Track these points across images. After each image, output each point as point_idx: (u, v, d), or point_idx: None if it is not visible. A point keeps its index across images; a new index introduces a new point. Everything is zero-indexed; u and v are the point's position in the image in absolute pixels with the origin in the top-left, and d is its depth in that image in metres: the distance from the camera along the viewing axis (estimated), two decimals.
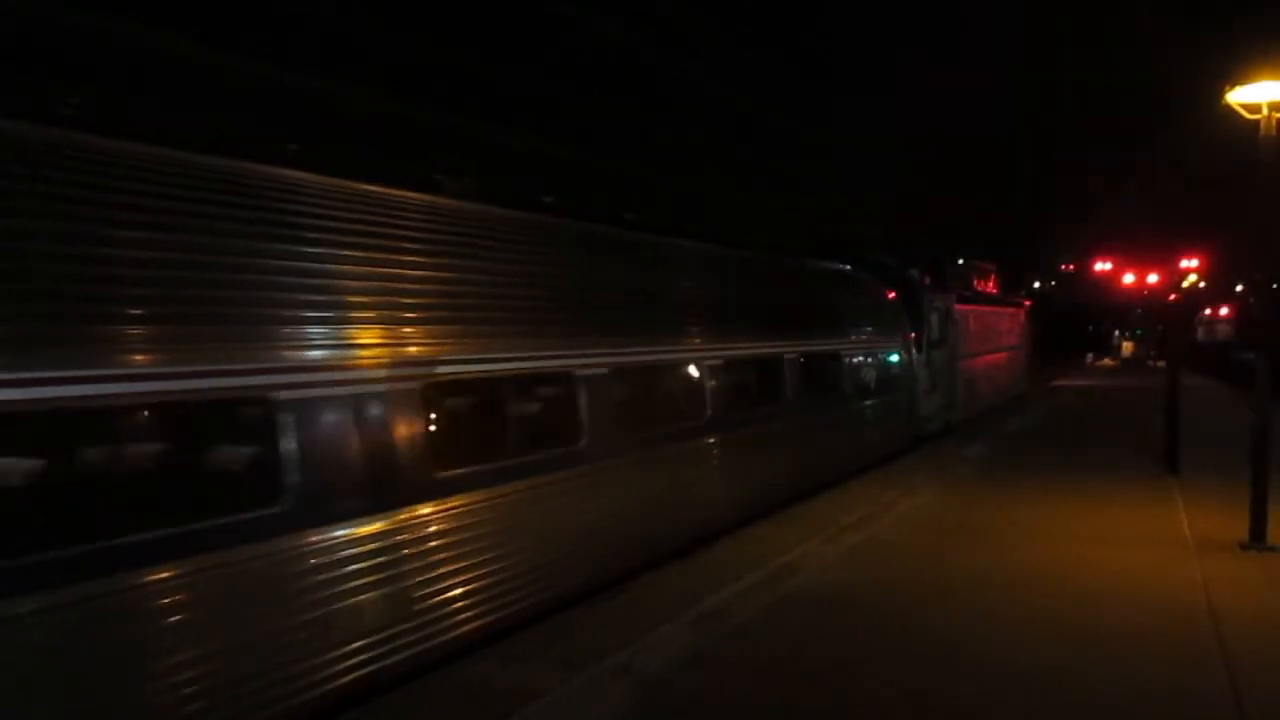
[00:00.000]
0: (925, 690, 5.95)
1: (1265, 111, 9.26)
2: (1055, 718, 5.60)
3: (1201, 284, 57.69)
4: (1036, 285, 59.61)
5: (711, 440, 10.23)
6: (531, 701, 5.79)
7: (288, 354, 5.48)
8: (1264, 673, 6.12)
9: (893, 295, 17.95)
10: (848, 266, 17.55)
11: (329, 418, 5.69)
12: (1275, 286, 10.97)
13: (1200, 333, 70.03)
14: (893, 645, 6.78)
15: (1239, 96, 9.33)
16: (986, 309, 25.56)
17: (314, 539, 5.47)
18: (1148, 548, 9.55)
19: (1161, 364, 37.23)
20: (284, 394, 5.37)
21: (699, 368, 10.25)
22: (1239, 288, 61.36)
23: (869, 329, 15.94)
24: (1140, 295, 54.58)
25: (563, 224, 9.46)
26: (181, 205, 5.21)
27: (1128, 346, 62.98)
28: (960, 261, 24.24)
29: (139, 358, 4.72)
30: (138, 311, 4.78)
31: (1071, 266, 66.05)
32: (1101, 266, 59.89)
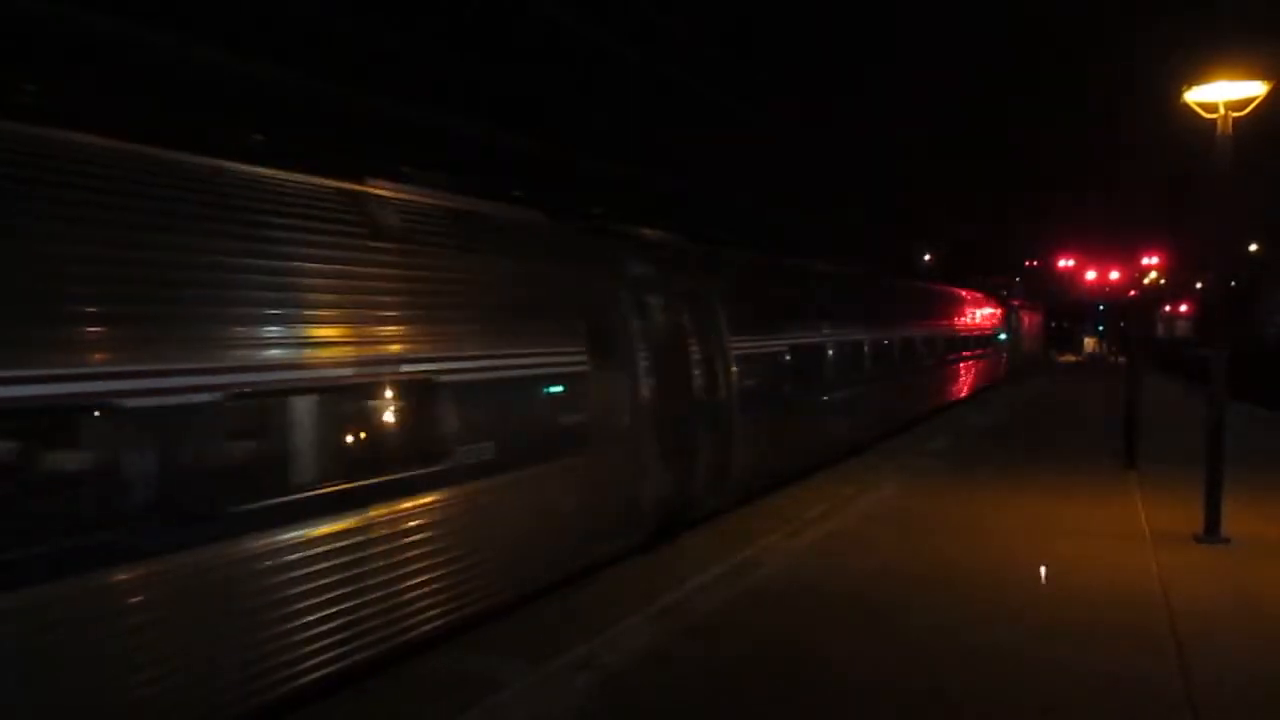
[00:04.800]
0: (881, 680, 6.03)
1: (1222, 111, 9.38)
2: (1013, 703, 5.69)
3: (1162, 281, 58.54)
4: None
5: (954, 367, 25.61)
6: (496, 692, 5.79)
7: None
8: (1213, 659, 6.27)
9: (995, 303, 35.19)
10: (978, 291, 33.67)
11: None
12: (1233, 284, 11.17)
13: (1161, 329, 71.10)
14: (851, 639, 6.85)
15: (1196, 96, 9.45)
16: (1028, 311, 44.15)
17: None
18: (1106, 540, 9.72)
19: (1122, 359, 38.29)
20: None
21: (960, 340, 26.15)
22: (1199, 285, 62.29)
23: (996, 321, 32.89)
24: (1102, 291, 55.26)
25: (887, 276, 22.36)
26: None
27: (1090, 342, 63.90)
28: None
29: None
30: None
31: (1035, 263, 66.77)
32: (1064, 263, 60.51)
